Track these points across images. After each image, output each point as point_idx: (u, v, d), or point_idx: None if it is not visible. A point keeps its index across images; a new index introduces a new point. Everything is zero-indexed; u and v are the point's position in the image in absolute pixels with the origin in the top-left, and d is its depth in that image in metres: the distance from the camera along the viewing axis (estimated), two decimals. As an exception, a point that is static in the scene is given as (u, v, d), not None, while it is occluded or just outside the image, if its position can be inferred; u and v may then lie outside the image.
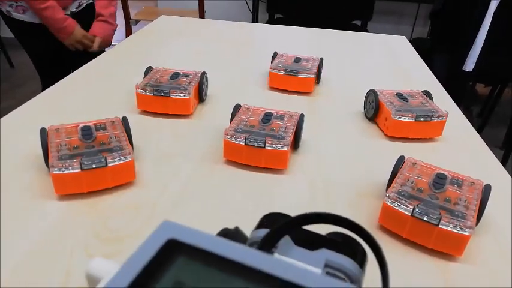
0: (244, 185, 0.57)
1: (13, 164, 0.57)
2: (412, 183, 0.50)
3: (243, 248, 0.18)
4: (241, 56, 1.08)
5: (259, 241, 0.23)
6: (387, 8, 2.82)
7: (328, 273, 0.23)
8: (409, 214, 0.46)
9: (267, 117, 0.64)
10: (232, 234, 0.26)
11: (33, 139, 0.61)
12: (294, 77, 0.84)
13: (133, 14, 2.54)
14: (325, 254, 0.24)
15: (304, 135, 0.65)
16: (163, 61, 1.01)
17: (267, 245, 0.23)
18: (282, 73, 0.85)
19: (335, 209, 0.53)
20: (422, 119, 0.68)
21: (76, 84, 0.86)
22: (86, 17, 1.50)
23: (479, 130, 2.19)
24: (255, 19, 2.73)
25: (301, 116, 0.64)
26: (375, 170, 0.61)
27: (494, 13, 1.78)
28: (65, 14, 1.42)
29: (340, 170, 0.61)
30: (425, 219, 0.45)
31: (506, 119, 2.20)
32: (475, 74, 1.91)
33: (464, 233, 0.44)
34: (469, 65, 1.89)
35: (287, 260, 0.23)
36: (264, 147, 0.57)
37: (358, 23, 2.45)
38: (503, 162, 1.99)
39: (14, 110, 0.73)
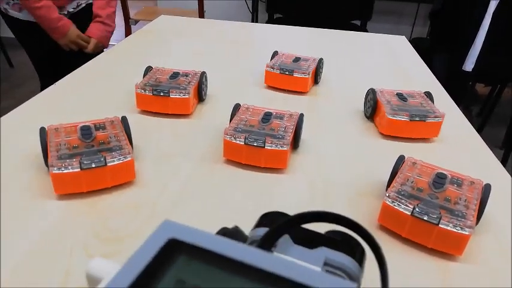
0: (244, 185, 0.57)
1: (13, 164, 0.57)
2: (412, 182, 0.50)
3: (243, 247, 0.18)
4: (241, 56, 1.08)
5: (258, 240, 0.23)
6: (387, 7, 2.83)
7: (327, 271, 0.23)
8: (409, 213, 0.46)
9: (267, 116, 0.64)
10: (231, 234, 0.26)
11: (32, 139, 0.61)
12: (290, 76, 0.85)
13: (132, 13, 2.54)
14: (325, 253, 0.24)
15: (304, 134, 0.65)
16: (163, 61, 1.01)
17: (266, 243, 0.23)
18: (278, 72, 0.85)
19: (335, 209, 0.53)
20: (417, 119, 0.68)
21: (75, 83, 0.86)
22: (84, 17, 1.49)
23: (479, 130, 2.20)
24: (254, 19, 2.73)
25: (301, 116, 0.64)
26: (375, 169, 0.61)
27: (493, 13, 1.78)
28: (62, 14, 1.41)
29: (340, 170, 0.61)
30: (425, 218, 0.45)
31: (506, 118, 2.20)
32: (474, 73, 1.91)
33: (464, 232, 0.44)
34: (469, 65, 1.89)
35: (287, 259, 0.23)
36: (264, 146, 0.57)
37: (358, 22, 2.45)
38: (503, 162, 1.99)
39: (14, 110, 0.72)
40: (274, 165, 0.59)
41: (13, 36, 1.49)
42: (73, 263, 0.42)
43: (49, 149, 0.53)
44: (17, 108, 0.73)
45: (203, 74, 0.78)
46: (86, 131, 0.56)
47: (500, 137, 2.24)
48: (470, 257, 0.46)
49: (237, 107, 0.66)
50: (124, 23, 2.51)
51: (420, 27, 2.95)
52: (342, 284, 0.17)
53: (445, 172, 0.52)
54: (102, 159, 0.51)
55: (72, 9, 1.48)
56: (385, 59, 1.13)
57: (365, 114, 0.78)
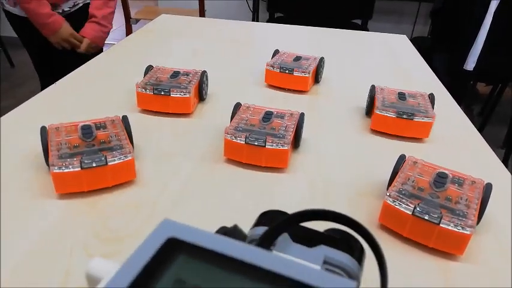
0: (244, 184, 0.57)
1: (13, 164, 0.57)
2: (412, 182, 0.50)
3: (243, 246, 0.18)
4: (241, 55, 1.08)
5: (257, 239, 0.23)
6: (388, 7, 2.82)
7: (327, 269, 0.23)
8: (410, 213, 0.46)
9: (268, 116, 0.64)
10: (230, 232, 0.25)
11: (33, 138, 0.61)
12: (290, 75, 0.84)
13: (133, 13, 2.54)
14: (324, 251, 0.24)
15: (305, 134, 0.65)
16: (164, 60, 1.00)
17: (265, 242, 0.23)
18: (278, 70, 0.85)
19: (335, 208, 0.52)
20: (404, 117, 0.68)
21: (76, 83, 0.86)
22: (81, 17, 1.45)
23: (480, 129, 2.19)
24: (255, 18, 2.72)
25: (302, 115, 0.64)
26: (375, 169, 0.61)
27: (494, 12, 1.77)
28: (57, 13, 1.38)
29: (340, 169, 0.61)
30: (426, 218, 0.45)
31: (507, 118, 2.20)
32: (475, 73, 1.91)
33: (465, 232, 0.44)
34: (470, 64, 1.88)
35: (286, 257, 0.23)
36: (265, 146, 0.57)
37: (359, 22, 2.44)
38: (504, 161, 1.98)
39: (14, 110, 0.72)
40: (275, 165, 0.59)
41: (14, 35, 1.48)
42: (73, 263, 0.42)
43: (50, 149, 0.53)
44: (17, 108, 0.73)
45: (204, 73, 0.78)
46: (87, 130, 0.56)
47: (501, 136, 2.23)
48: (471, 257, 0.46)
49: (237, 106, 0.66)
50: (125, 22, 2.51)
51: (421, 26, 2.94)
52: (341, 282, 0.17)
53: (446, 171, 0.52)
54: (102, 158, 0.51)
55: (68, 9, 1.45)
56: (386, 58, 1.12)
57: (366, 112, 0.78)
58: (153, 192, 0.54)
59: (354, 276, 0.24)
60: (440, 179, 0.51)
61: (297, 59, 0.90)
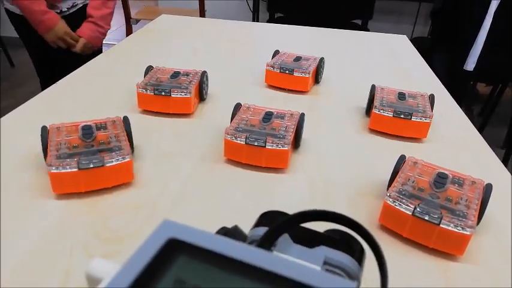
0: (244, 184, 0.57)
1: (13, 164, 0.57)
2: (413, 182, 0.50)
3: (243, 246, 0.18)
4: (241, 55, 1.08)
5: (258, 239, 0.23)
6: (388, 7, 2.82)
7: (327, 270, 0.23)
8: (410, 213, 0.46)
9: (268, 116, 0.64)
10: (231, 233, 0.25)
11: (33, 138, 0.61)
12: (290, 76, 0.85)
13: (133, 13, 2.54)
14: (324, 252, 0.24)
15: (305, 134, 0.65)
16: (164, 60, 1.01)
17: (266, 243, 0.23)
18: (278, 71, 0.85)
19: (335, 208, 0.52)
20: (402, 116, 0.68)
21: (76, 83, 0.86)
22: (80, 18, 1.44)
23: (480, 129, 2.19)
24: (255, 18, 2.72)
25: (302, 115, 0.64)
26: (375, 169, 0.61)
27: (494, 13, 1.77)
28: (55, 13, 1.37)
29: (340, 169, 0.61)
30: (426, 218, 0.45)
31: (507, 118, 2.20)
32: (475, 73, 1.91)
33: (465, 232, 0.44)
34: (470, 65, 1.88)
35: (287, 258, 0.23)
36: (265, 146, 0.57)
37: (359, 22, 2.44)
38: (504, 161, 1.98)
39: (14, 110, 0.72)
40: (275, 165, 0.59)
41: (13, 35, 1.48)
42: (73, 263, 0.42)
43: (49, 148, 0.53)
44: (17, 108, 0.73)
45: (204, 73, 0.78)
46: (87, 131, 0.56)
47: (502, 136, 2.23)
48: (471, 257, 0.46)
49: (237, 107, 0.66)
50: (125, 23, 2.51)
51: (421, 27, 2.95)
52: (341, 283, 0.17)
53: (446, 172, 0.52)
54: (100, 159, 0.50)
55: (66, 9, 1.43)
56: (386, 59, 1.12)
57: (365, 111, 0.79)
58: (153, 192, 0.54)
59: (354, 277, 0.24)
60: (441, 179, 0.51)
61: (297, 59, 0.90)
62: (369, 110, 0.76)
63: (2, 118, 0.69)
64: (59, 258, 0.43)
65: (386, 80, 0.95)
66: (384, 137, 0.71)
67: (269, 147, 0.57)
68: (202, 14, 2.46)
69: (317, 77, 0.90)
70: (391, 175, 0.53)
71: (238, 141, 0.58)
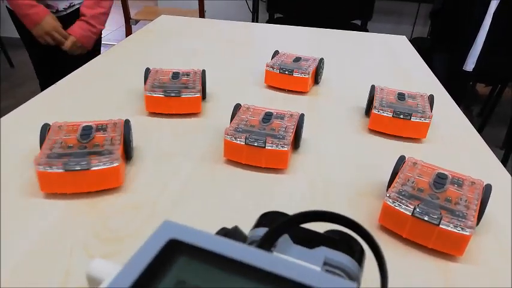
0: (244, 185, 0.57)
1: (13, 164, 0.57)
2: (412, 183, 0.50)
3: (243, 247, 0.18)
4: (241, 56, 1.08)
5: (258, 240, 0.23)
6: (387, 7, 2.83)
7: (327, 271, 0.23)
8: (410, 214, 0.46)
9: (267, 116, 0.64)
10: (231, 234, 0.26)
11: (33, 138, 0.61)
12: (290, 76, 0.85)
13: (133, 13, 2.54)
14: (324, 252, 0.24)
15: (305, 134, 0.65)
16: (164, 61, 1.01)
17: (266, 243, 0.23)
18: (277, 71, 0.85)
19: (335, 209, 0.52)
20: (401, 117, 0.68)
21: (76, 84, 0.86)
22: (77, 19, 1.42)
23: (480, 130, 2.19)
24: (255, 19, 2.73)
25: (302, 116, 0.64)
26: (375, 169, 0.61)
27: (494, 13, 1.78)
28: (52, 12, 1.36)
29: (340, 170, 0.61)
30: (425, 219, 0.45)
31: (507, 118, 2.20)
32: (475, 73, 1.91)
33: (464, 233, 0.44)
34: (470, 65, 1.89)
35: (287, 258, 0.23)
36: (265, 147, 0.57)
37: (358, 22, 2.45)
38: (504, 162, 1.99)
39: (14, 110, 0.73)
40: (275, 166, 0.59)
41: (13, 36, 1.47)
42: (73, 263, 0.42)
43: (43, 147, 0.53)
44: (18, 108, 0.73)
45: (204, 72, 0.78)
46: (86, 132, 0.56)
47: (501, 137, 2.24)
48: (471, 258, 0.46)
49: (237, 107, 0.66)
50: (124, 23, 2.51)
51: (421, 27, 2.95)
52: (341, 283, 0.17)
53: (445, 172, 0.52)
54: (87, 162, 0.50)
55: (63, 9, 1.42)
56: (385, 59, 1.13)
57: (365, 112, 0.79)
58: (153, 192, 0.54)
59: (354, 277, 0.24)
60: (440, 179, 0.51)
61: (297, 59, 0.90)
62: (368, 111, 0.76)
63: (2, 118, 0.69)
64: (59, 258, 0.43)
65: (385, 81, 0.95)
66: (383, 137, 0.71)
67: (269, 147, 0.57)
68: (202, 14, 2.46)
69: (317, 78, 0.90)
70: (391, 176, 0.53)
71: (238, 142, 0.58)
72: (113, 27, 3.50)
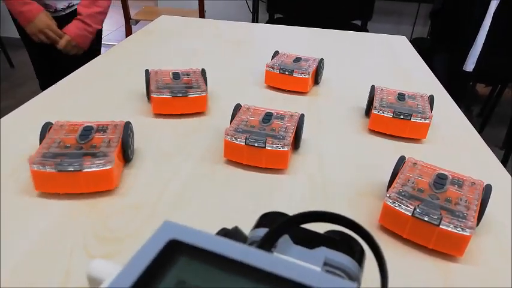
0: (244, 185, 0.57)
1: (13, 164, 0.57)
2: (412, 183, 0.50)
3: (244, 247, 0.18)
4: (241, 56, 1.08)
5: (258, 240, 0.23)
6: (387, 7, 2.83)
7: (327, 271, 0.23)
8: (410, 214, 0.46)
9: (268, 117, 0.64)
10: (231, 234, 0.26)
11: (33, 139, 0.61)
12: (290, 76, 0.85)
13: (133, 13, 2.54)
14: (324, 253, 0.24)
15: (305, 135, 0.65)
16: (164, 61, 1.01)
17: (266, 244, 0.23)
18: (278, 72, 0.85)
19: (335, 209, 0.53)
20: (401, 117, 0.68)
21: (76, 84, 0.86)
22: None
23: (480, 130, 2.20)
24: (255, 19, 2.73)
25: (302, 116, 0.64)
26: (375, 170, 0.61)
27: (494, 13, 1.78)
28: (50, 12, 1.35)
29: (340, 170, 0.61)
30: (426, 219, 0.45)
31: (507, 119, 2.20)
32: (475, 74, 1.91)
33: (465, 233, 0.44)
34: (470, 65, 1.89)
35: (287, 259, 0.23)
36: (265, 147, 0.57)
37: (358, 22, 2.45)
38: (504, 162, 1.99)
39: (15, 110, 0.72)
40: (275, 166, 0.59)
41: (13, 36, 1.47)
42: (73, 263, 0.42)
43: (41, 145, 0.53)
44: (18, 108, 0.73)
45: (204, 71, 0.79)
46: (86, 132, 0.56)
47: (501, 137, 2.24)
48: (471, 258, 0.46)
49: (237, 107, 0.66)
50: (124, 23, 2.51)
51: (421, 27, 2.95)
52: (341, 283, 0.17)
53: (445, 173, 0.52)
54: (80, 163, 0.49)
55: (61, 8, 1.41)
56: (385, 59, 1.13)
57: (365, 112, 0.79)
58: (153, 192, 0.54)
59: (355, 278, 0.24)
60: (440, 180, 0.51)
61: (297, 60, 0.90)
62: (368, 111, 0.76)
63: (2, 118, 0.69)
64: (59, 258, 0.43)
65: (385, 81, 0.95)
66: (383, 137, 0.71)
67: (269, 148, 0.57)
68: (202, 14, 2.46)
69: (317, 78, 0.90)
70: (391, 176, 0.53)
71: (238, 142, 0.58)
72: (113, 28, 3.50)
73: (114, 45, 1.12)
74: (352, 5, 2.43)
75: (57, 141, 0.54)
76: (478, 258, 0.46)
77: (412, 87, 0.83)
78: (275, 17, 2.49)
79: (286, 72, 0.85)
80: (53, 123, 0.58)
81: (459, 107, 0.86)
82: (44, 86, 1.49)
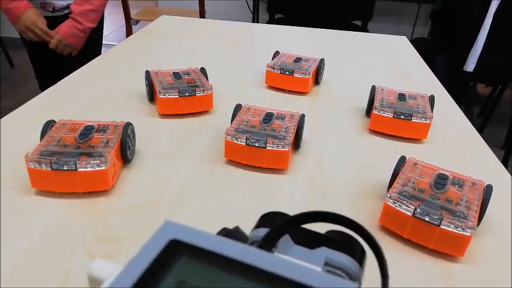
0: (245, 185, 0.57)
1: (13, 164, 0.57)
2: (413, 183, 0.50)
3: (244, 247, 0.18)
4: (241, 56, 1.08)
5: (259, 240, 0.23)
6: (387, 8, 2.83)
7: (328, 271, 0.23)
8: (411, 214, 0.46)
9: (268, 117, 0.64)
10: (232, 234, 0.26)
11: (33, 138, 0.61)
12: (290, 77, 0.85)
13: (133, 13, 2.54)
14: (325, 253, 0.24)
15: (305, 135, 0.65)
16: (164, 61, 1.01)
17: (267, 244, 0.23)
18: (278, 72, 0.85)
19: (336, 209, 0.53)
20: (402, 117, 0.68)
21: (76, 84, 0.86)
22: None
23: (480, 130, 2.19)
24: (255, 19, 2.73)
25: (302, 116, 0.64)
26: (376, 170, 0.61)
27: (494, 13, 1.78)
28: (48, 11, 1.34)
29: (341, 170, 0.61)
30: (426, 219, 0.45)
31: (507, 119, 2.20)
32: (475, 74, 1.91)
33: (465, 233, 0.44)
34: (470, 65, 1.89)
35: (288, 259, 0.23)
36: (265, 147, 0.57)
37: (359, 23, 2.45)
38: (504, 162, 1.99)
39: (15, 110, 0.72)
40: (276, 166, 0.59)
41: (13, 36, 1.46)
42: (73, 263, 0.42)
43: (40, 143, 0.53)
44: (18, 108, 0.73)
45: (203, 70, 0.79)
46: (86, 131, 0.56)
47: (501, 137, 2.24)
48: (472, 258, 0.46)
49: (238, 108, 0.66)
50: (125, 23, 2.51)
51: (421, 28, 2.95)
52: (342, 284, 0.17)
53: (446, 173, 0.52)
54: (74, 163, 0.49)
55: (60, 8, 1.40)
56: (386, 59, 1.13)
57: (366, 112, 0.79)
58: (153, 192, 0.54)
59: (355, 278, 0.24)
60: (441, 180, 0.51)
61: (297, 60, 0.90)
62: (369, 111, 0.76)
63: (2, 118, 0.69)
64: (59, 258, 0.43)
65: (386, 81, 0.95)
66: (384, 137, 0.71)
67: (269, 148, 0.57)
68: (202, 14, 2.46)
69: (317, 78, 0.90)
70: (392, 176, 0.53)
71: (239, 142, 0.58)
72: (113, 28, 3.50)
73: (114, 45, 1.12)
74: (352, 5, 2.43)
75: (56, 140, 0.54)
76: (479, 259, 0.46)
77: (413, 88, 0.83)
78: (275, 17, 2.49)
79: (287, 73, 0.85)
80: (56, 121, 0.58)
81: (459, 107, 0.86)
82: (43, 88, 1.48)
